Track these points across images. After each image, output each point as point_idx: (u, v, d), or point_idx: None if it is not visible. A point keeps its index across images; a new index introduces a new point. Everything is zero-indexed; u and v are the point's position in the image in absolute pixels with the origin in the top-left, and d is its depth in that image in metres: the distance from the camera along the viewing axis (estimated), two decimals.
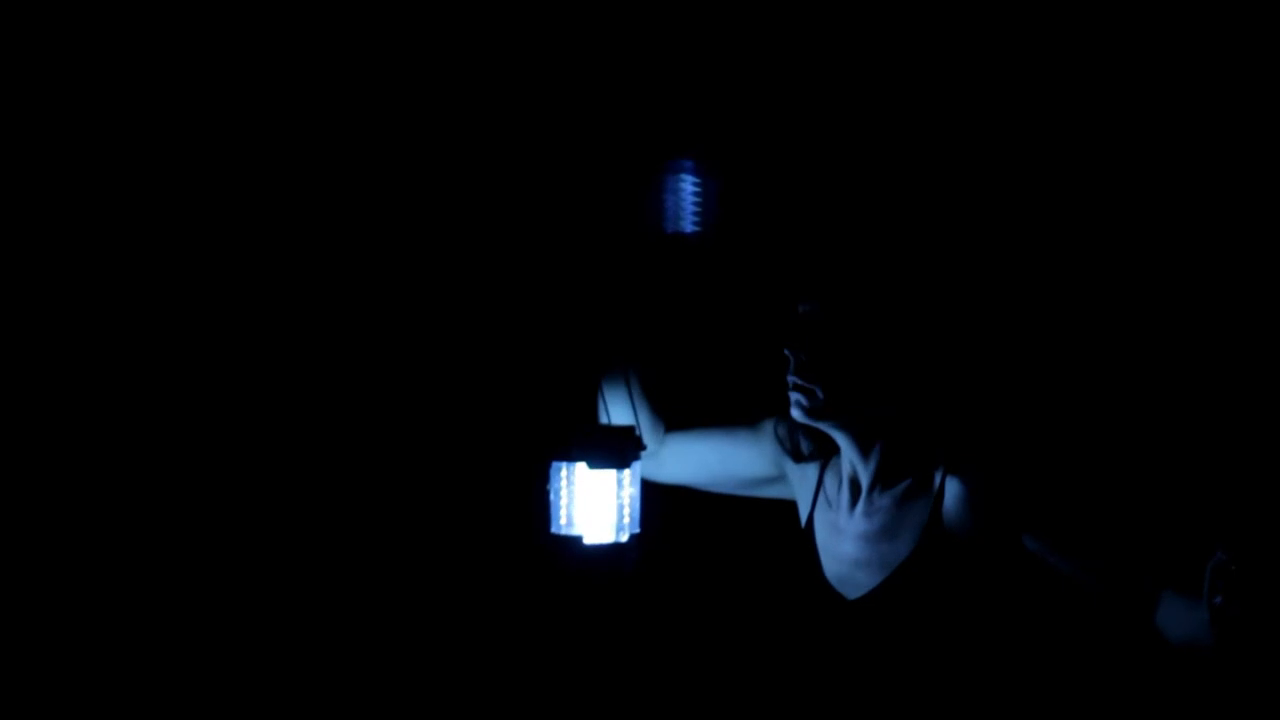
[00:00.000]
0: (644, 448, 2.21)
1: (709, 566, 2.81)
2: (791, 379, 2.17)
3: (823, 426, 2.21)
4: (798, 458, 2.33)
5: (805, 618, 2.25)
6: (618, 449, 2.18)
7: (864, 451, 2.22)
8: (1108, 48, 2.57)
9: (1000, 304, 2.58)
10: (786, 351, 2.16)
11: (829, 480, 2.31)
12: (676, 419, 2.43)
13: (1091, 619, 2.19)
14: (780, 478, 2.39)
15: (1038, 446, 2.36)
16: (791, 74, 2.63)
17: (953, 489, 2.17)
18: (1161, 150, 2.60)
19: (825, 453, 2.32)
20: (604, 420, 2.33)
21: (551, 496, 2.17)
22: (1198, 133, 2.57)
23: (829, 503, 2.29)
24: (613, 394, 2.32)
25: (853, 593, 2.20)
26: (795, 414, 2.18)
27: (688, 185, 2.67)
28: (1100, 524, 2.15)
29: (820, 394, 2.16)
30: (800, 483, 2.36)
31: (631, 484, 2.18)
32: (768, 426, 2.37)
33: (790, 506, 2.39)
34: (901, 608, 2.15)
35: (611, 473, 2.16)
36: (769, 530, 2.47)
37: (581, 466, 2.16)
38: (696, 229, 2.64)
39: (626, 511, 2.17)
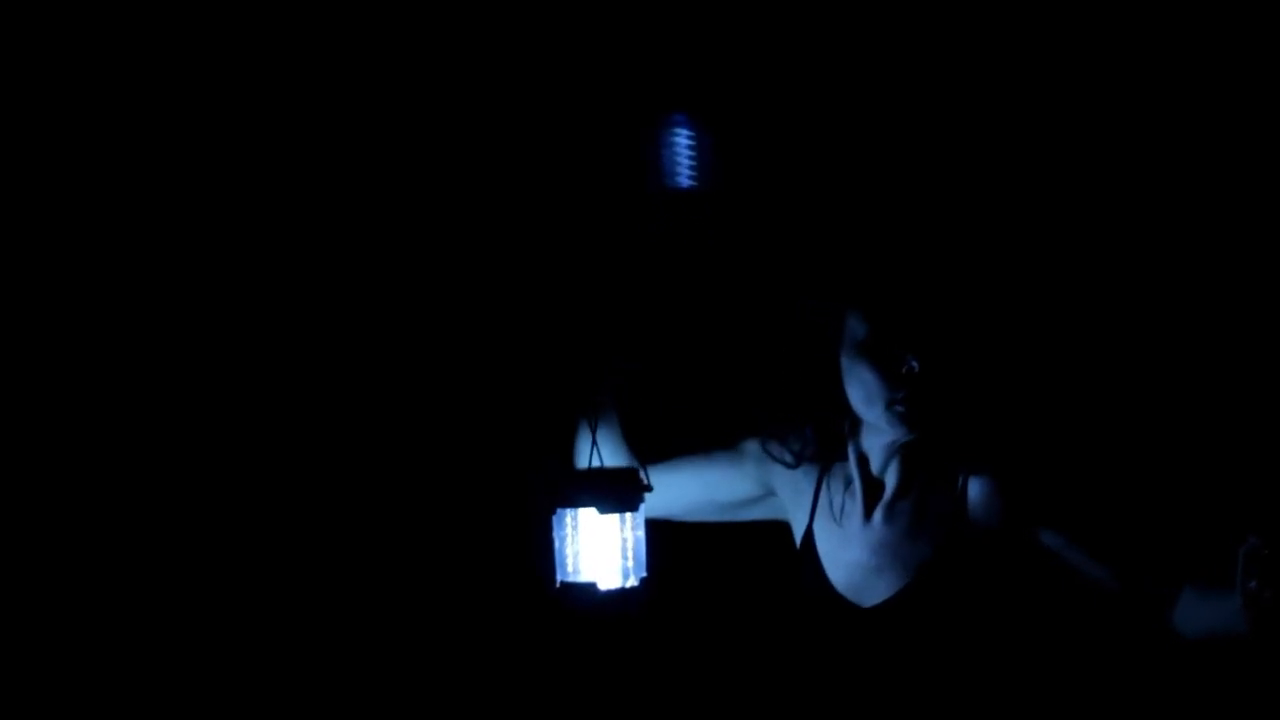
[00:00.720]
0: (649, 487, 2.16)
1: (706, 594, 2.77)
2: (902, 393, 2.10)
3: (897, 433, 2.15)
4: (796, 463, 2.28)
5: (820, 631, 2.22)
6: (624, 491, 2.13)
7: (893, 455, 2.18)
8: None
9: (1015, 300, 2.55)
10: (912, 362, 2.08)
11: (832, 488, 2.27)
12: (661, 436, 2.39)
13: (1111, 618, 2.19)
14: (765, 496, 2.35)
15: (1057, 442, 2.35)
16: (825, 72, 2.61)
17: (976, 487, 2.15)
18: (1179, 152, 2.58)
19: (822, 457, 2.28)
20: (581, 460, 2.24)
21: (556, 545, 2.12)
22: (1220, 136, 2.56)
23: (833, 512, 2.25)
24: (590, 433, 2.23)
25: (869, 599, 2.17)
26: (899, 427, 2.12)
27: (681, 155, 2.60)
28: (1120, 520, 2.15)
29: (930, 403, 2.10)
30: (793, 496, 2.31)
31: (637, 526, 2.14)
32: (749, 447, 2.32)
33: (778, 525, 2.36)
34: (926, 610, 2.13)
35: (616, 517, 2.12)
36: (759, 551, 2.44)
37: (588, 512, 2.11)
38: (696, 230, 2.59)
39: (632, 554, 2.13)
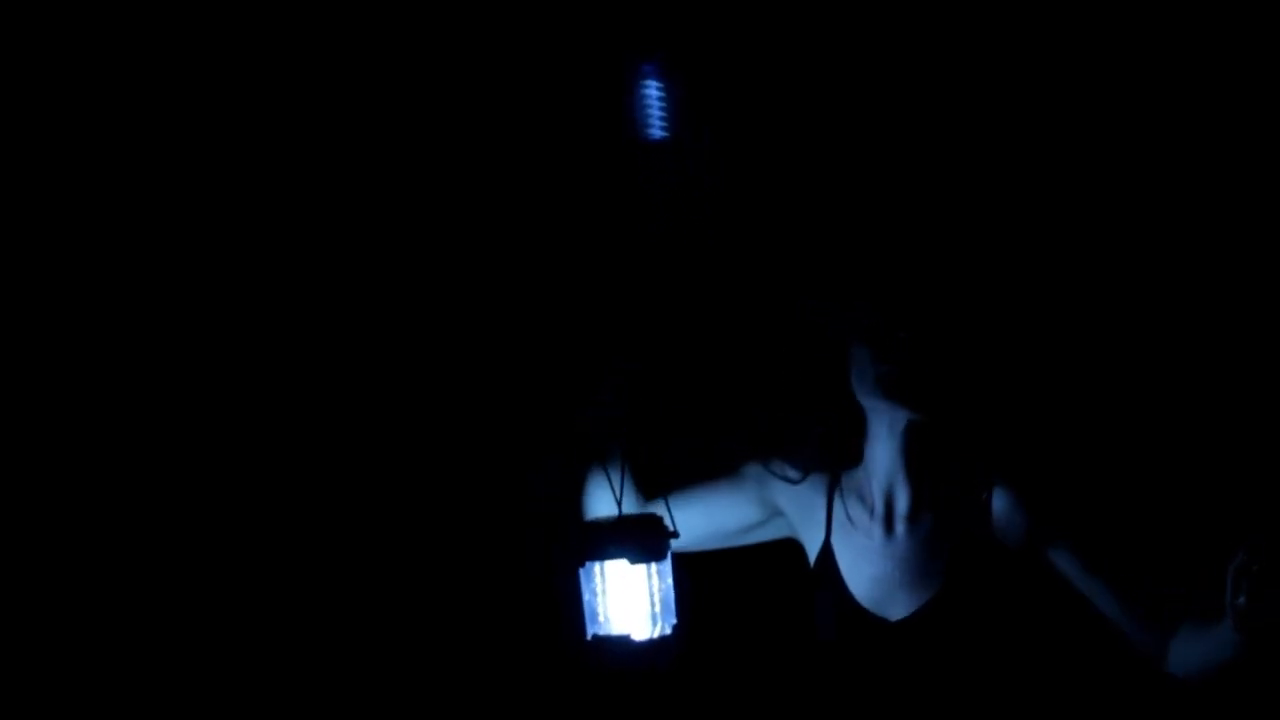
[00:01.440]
0: (675, 534, 2.13)
1: (728, 616, 2.75)
2: (887, 365, 2.10)
3: (885, 407, 2.14)
4: (802, 476, 2.26)
5: (848, 647, 2.22)
6: (651, 540, 2.10)
7: (911, 463, 2.17)
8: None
9: (1024, 301, 2.53)
10: (901, 334, 2.08)
11: (848, 502, 2.25)
12: (662, 437, 2.36)
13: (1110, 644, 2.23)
14: (772, 517, 2.33)
15: (1076, 454, 2.36)
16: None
17: (1001, 501, 2.16)
18: (1183, 149, 2.55)
19: (828, 467, 2.27)
20: (594, 508, 2.24)
21: (586, 598, 2.10)
22: (1221, 135, 2.53)
23: (853, 525, 2.23)
24: (603, 481, 2.21)
25: (896, 613, 2.17)
26: (886, 401, 2.12)
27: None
28: (1135, 549, 2.17)
29: (920, 378, 2.10)
30: (802, 513, 2.30)
31: (665, 574, 2.12)
32: (750, 470, 2.30)
33: (787, 543, 2.34)
34: (955, 621, 2.14)
35: (644, 566, 2.09)
36: (775, 568, 2.42)
37: (617, 564, 2.08)
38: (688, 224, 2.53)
39: (660, 602, 2.11)
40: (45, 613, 2.59)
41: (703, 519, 2.31)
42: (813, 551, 2.29)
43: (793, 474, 2.26)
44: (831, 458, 2.26)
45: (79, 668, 2.61)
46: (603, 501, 2.19)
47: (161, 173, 2.59)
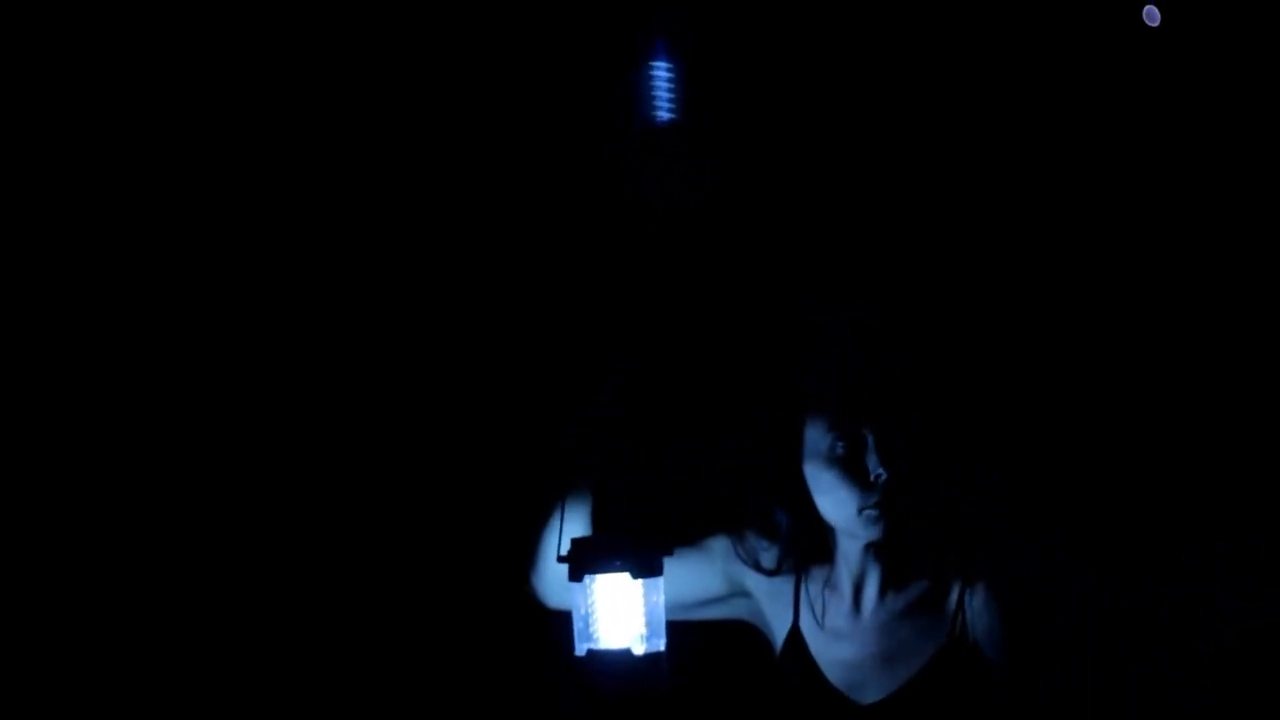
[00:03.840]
0: (671, 551, 2.12)
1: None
2: (873, 498, 2.09)
3: (871, 534, 2.13)
4: (776, 569, 2.25)
5: None
6: (649, 554, 2.09)
7: (884, 564, 2.17)
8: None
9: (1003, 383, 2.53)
10: (879, 470, 2.07)
11: (818, 585, 2.25)
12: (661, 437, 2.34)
13: None
14: (735, 595, 2.31)
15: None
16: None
17: (976, 601, 2.15)
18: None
19: (799, 558, 2.25)
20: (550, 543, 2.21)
21: (581, 612, 2.08)
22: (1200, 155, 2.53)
23: (823, 607, 2.23)
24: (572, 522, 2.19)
25: (870, 696, 2.16)
26: (872, 529, 2.11)
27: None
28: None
29: (901, 505, 2.10)
30: (770, 595, 2.29)
31: (659, 591, 2.10)
32: (718, 545, 2.29)
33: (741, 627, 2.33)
34: (930, 706, 2.13)
35: (642, 582, 2.08)
36: (738, 648, 2.39)
37: (618, 578, 2.07)
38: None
39: (652, 621, 2.08)
40: (44, 612, 2.58)
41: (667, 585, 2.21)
42: (780, 632, 2.27)
43: (765, 563, 2.25)
44: (802, 552, 2.24)
45: (76, 667, 2.59)
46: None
47: (160, 172, 2.58)
